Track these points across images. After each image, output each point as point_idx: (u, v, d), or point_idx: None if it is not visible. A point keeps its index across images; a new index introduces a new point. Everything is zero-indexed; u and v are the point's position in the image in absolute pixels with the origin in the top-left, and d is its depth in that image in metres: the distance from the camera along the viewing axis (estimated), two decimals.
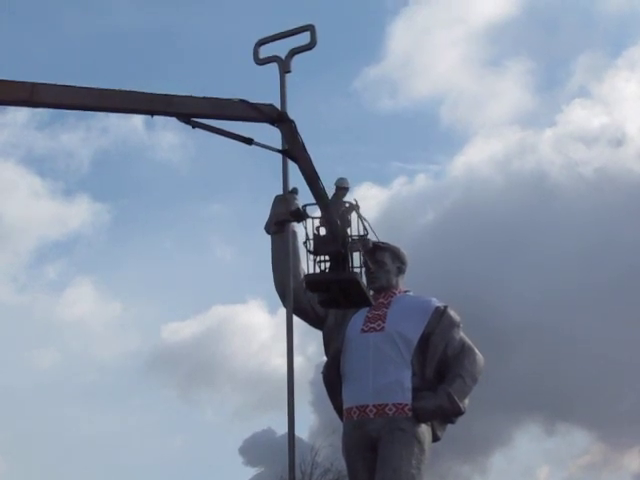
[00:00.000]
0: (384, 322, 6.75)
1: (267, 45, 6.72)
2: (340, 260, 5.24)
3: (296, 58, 6.56)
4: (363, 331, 6.66)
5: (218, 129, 5.10)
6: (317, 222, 5.40)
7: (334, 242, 5.24)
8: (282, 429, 6.34)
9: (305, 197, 5.73)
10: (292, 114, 6.51)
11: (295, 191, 6.37)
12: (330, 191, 5.35)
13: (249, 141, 5.14)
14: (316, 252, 5.29)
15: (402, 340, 6.66)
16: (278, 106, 5.44)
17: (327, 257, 5.31)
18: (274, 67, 6.63)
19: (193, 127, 4.99)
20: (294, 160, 5.21)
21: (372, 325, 6.76)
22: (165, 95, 4.97)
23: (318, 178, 5.16)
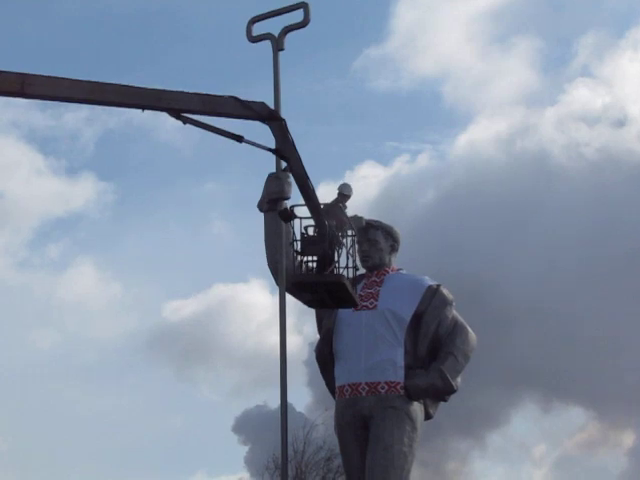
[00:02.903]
0: (377, 300, 6.75)
1: (260, 23, 6.71)
2: (327, 262, 5.18)
3: (295, 36, 6.56)
4: (355, 309, 6.61)
5: (209, 126, 5.06)
6: (306, 222, 5.37)
7: (321, 243, 5.18)
8: (277, 404, 6.43)
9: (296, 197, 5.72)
10: (285, 92, 6.57)
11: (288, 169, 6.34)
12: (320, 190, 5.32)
13: (239, 139, 5.12)
14: (303, 252, 5.24)
15: (394, 318, 6.67)
16: (271, 84, 5.63)
17: (314, 257, 5.26)
18: (267, 45, 6.64)
19: (184, 123, 4.98)
20: (284, 159, 5.18)
21: (365, 303, 6.74)
22: (156, 90, 4.97)
23: (308, 178, 5.09)
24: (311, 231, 5.23)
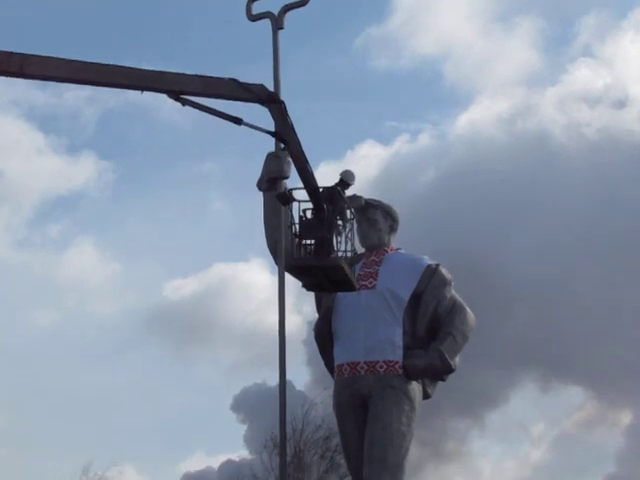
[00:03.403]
0: (375, 280, 6.73)
1: (260, 1, 6.73)
2: (325, 245, 5.15)
3: (295, 14, 6.53)
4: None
5: (207, 108, 4.98)
6: (304, 206, 5.33)
7: (320, 227, 5.15)
8: (275, 382, 6.46)
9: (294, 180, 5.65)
10: (285, 71, 6.54)
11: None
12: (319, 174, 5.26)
13: (238, 121, 5.01)
14: (301, 236, 5.20)
15: (393, 298, 6.67)
16: (271, 64, 5.61)
17: (312, 241, 5.22)
18: (267, 23, 6.62)
19: (183, 105, 4.91)
20: (283, 142, 5.08)
21: (364, 283, 6.73)
22: (156, 71, 4.93)
23: (306, 162, 5.03)
24: (309, 214, 5.21)
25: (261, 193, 6.47)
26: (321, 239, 5.15)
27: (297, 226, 5.20)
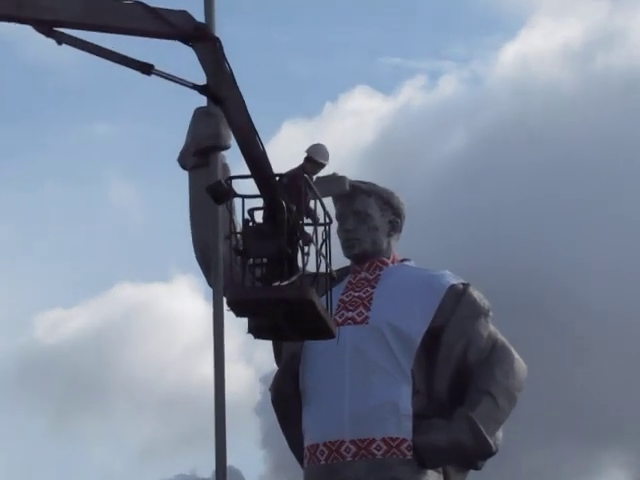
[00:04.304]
0: (368, 309, 5.80)
1: None
2: (284, 266, 4.30)
3: None
4: (336, 323, 5.18)
5: (98, 47, 4.29)
6: (252, 203, 4.52)
7: (276, 236, 4.30)
8: (211, 472, 5.50)
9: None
10: None
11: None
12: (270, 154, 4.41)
13: (147, 69, 4.24)
14: (247, 252, 4.34)
15: (397, 337, 5.74)
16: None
17: (264, 259, 4.42)
18: None
19: (59, 43, 4.28)
20: (217, 101, 4.32)
21: (349, 314, 5.80)
22: None
23: (255, 132, 4.28)
24: (259, 217, 4.43)
25: (185, 173, 5.71)
26: (277, 256, 4.35)
27: (240, 237, 4.44)
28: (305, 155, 4.70)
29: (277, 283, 4.32)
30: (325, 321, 4.50)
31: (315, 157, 4.67)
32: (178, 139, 5.67)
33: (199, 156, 5.48)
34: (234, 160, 5.27)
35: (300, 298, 4.32)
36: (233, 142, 5.11)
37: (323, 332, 4.56)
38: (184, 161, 5.64)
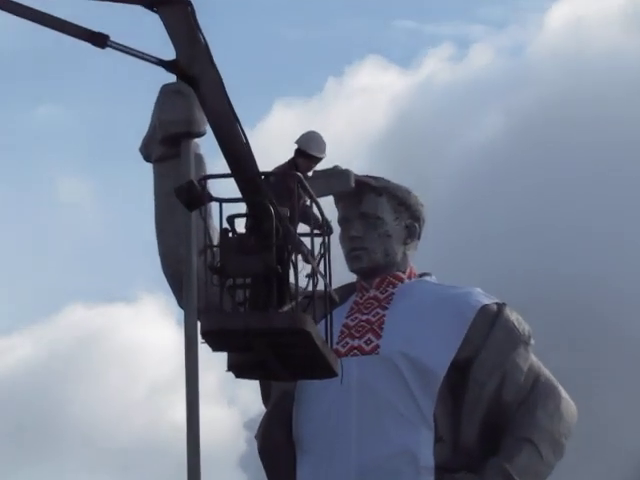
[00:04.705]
0: (378, 337, 5.29)
1: None
2: (274, 287, 3.83)
3: None
4: (338, 354, 4.82)
5: (39, 14, 3.87)
6: (232, 209, 4.09)
7: (262, 250, 3.85)
8: None
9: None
10: None
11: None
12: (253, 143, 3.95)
13: (101, 40, 3.79)
14: (225, 270, 3.86)
15: (414, 371, 5.28)
16: None
17: (247, 279, 3.95)
18: None
19: None
20: (189, 81, 3.85)
21: (355, 342, 5.30)
22: None
23: (235, 119, 3.83)
24: (241, 226, 4.00)
25: (149, 166, 5.24)
26: (264, 275, 3.89)
27: (218, 251, 3.98)
28: (295, 147, 4.30)
29: (264, 309, 3.83)
30: (324, 356, 4.04)
31: (307, 150, 4.28)
32: (141, 123, 5.31)
33: (167, 145, 5.01)
34: (211, 150, 4.73)
35: (292, 327, 3.88)
36: (209, 128, 4.42)
37: (321, 369, 4.10)
38: (148, 150, 5.17)
